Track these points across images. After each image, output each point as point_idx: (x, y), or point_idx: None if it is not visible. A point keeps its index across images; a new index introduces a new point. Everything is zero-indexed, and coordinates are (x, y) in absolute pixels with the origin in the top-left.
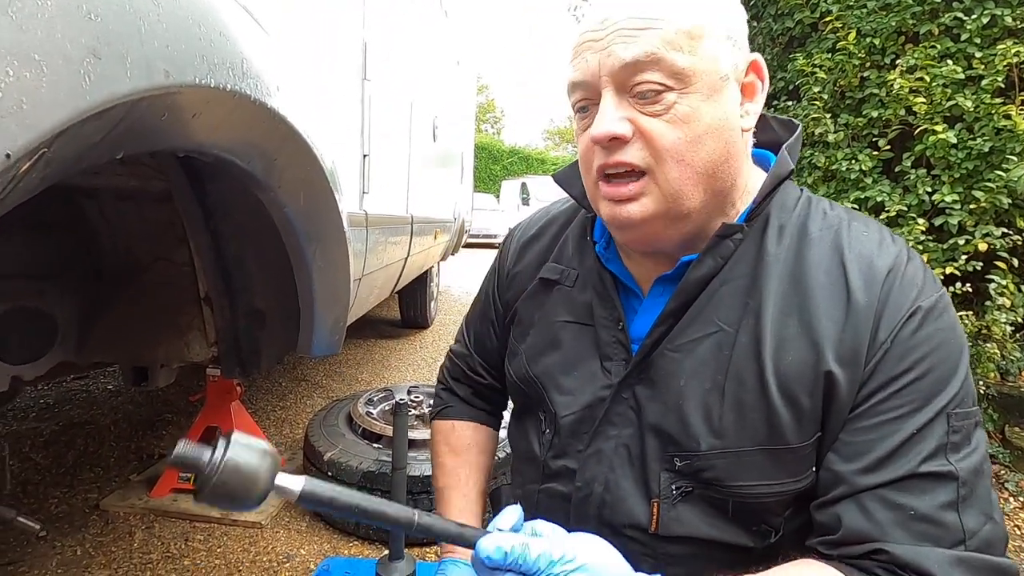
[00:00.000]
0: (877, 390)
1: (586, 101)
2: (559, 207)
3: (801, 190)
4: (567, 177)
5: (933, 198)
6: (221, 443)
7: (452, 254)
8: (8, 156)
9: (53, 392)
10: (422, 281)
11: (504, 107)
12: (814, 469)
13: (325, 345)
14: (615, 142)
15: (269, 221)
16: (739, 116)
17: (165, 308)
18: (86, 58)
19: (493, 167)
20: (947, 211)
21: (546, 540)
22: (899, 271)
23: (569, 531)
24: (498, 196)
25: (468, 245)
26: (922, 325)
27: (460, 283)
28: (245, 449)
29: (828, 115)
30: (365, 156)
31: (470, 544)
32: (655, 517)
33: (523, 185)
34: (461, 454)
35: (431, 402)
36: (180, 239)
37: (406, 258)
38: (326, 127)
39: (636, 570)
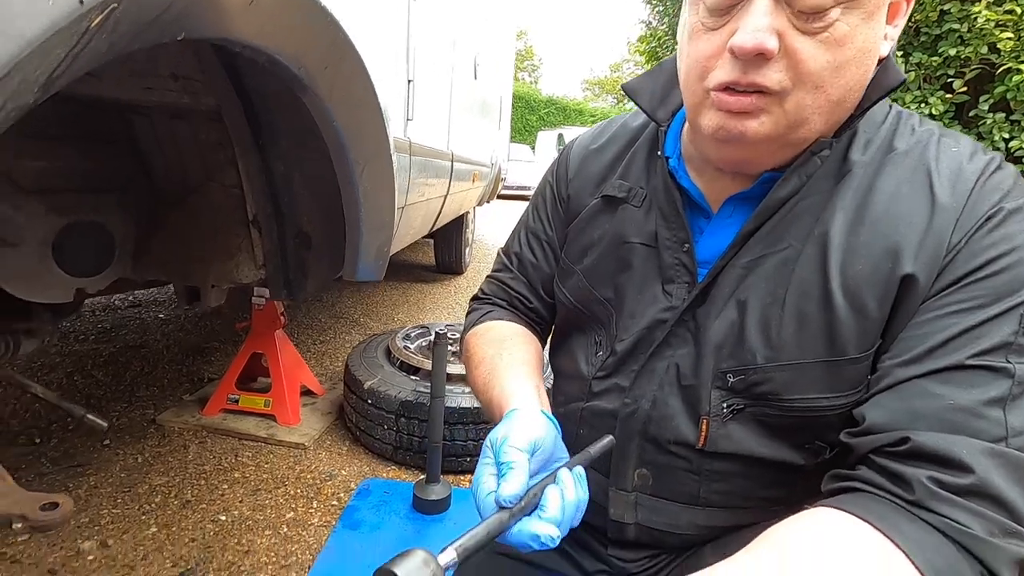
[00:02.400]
0: (945, 288)
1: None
2: (623, 120)
3: (890, 105)
4: (639, 87)
5: (1010, 145)
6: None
7: (487, 201)
8: (82, 2)
9: (109, 318)
10: (458, 225)
11: (543, 55)
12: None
13: (369, 270)
14: (758, 58)
15: (317, 142)
16: (880, 40)
17: (215, 230)
18: None
19: (529, 117)
20: None
21: None
22: (987, 175)
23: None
24: (534, 147)
25: (502, 197)
26: (1001, 224)
27: (494, 234)
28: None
29: (899, 54)
30: (410, 82)
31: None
32: (703, 434)
33: (560, 136)
34: (502, 341)
35: None
36: (230, 161)
37: (445, 195)
38: (373, 42)
39: (679, 488)
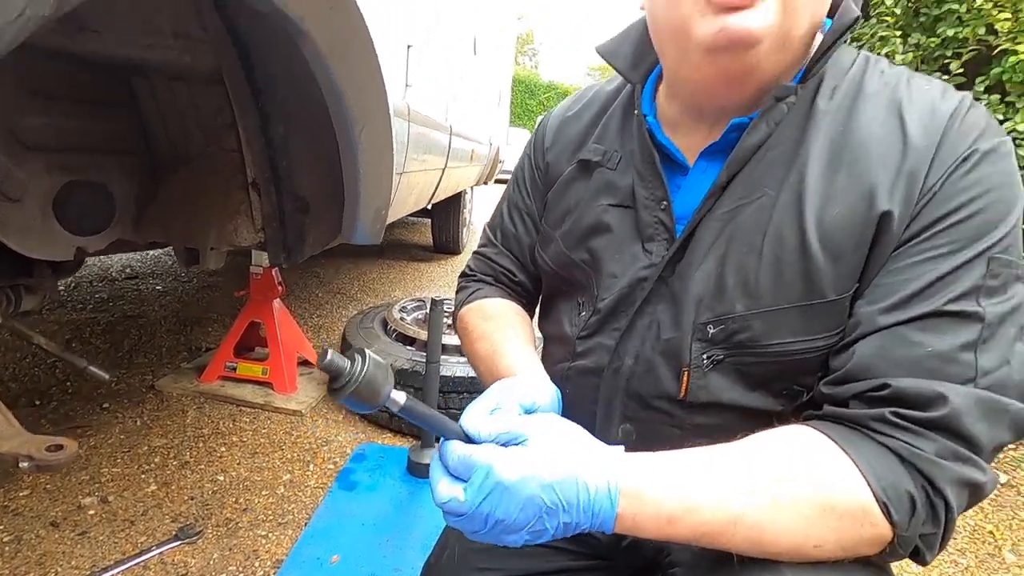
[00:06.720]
0: (919, 232)
1: None
2: (598, 87)
3: (858, 51)
4: (614, 48)
5: (1004, 127)
6: (359, 358)
7: (485, 183)
8: None
9: (107, 288)
10: (456, 204)
11: (543, 40)
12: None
13: (367, 233)
14: None
15: (316, 104)
16: None
17: (215, 193)
18: None
19: (529, 101)
20: (1018, 142)
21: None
22: (960, 114)
23: (598, 404)
24: (533, 131)
25: (500, 182)
26: (976, 167)
27: None
28: (377, 365)
29: (898, 34)
30: (409, 47)
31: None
32: (685, 386)
33: None
34: (497, 317)
35: None
36: (229, 125)
37: (443, 168)
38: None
39: (662, 444)
